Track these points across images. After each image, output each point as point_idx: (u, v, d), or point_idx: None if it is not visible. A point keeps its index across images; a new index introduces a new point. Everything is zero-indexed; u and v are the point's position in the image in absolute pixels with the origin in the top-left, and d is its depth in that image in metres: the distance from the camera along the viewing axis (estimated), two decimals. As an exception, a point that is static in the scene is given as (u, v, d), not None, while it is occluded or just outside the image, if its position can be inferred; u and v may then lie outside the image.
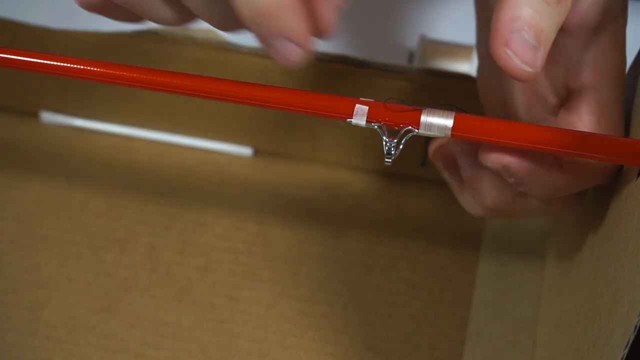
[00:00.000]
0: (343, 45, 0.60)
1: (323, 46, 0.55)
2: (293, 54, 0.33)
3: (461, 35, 0.64)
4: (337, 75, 0.54)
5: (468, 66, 0.60)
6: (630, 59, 0.43)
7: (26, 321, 0.52)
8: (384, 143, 0.38)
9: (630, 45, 0.42)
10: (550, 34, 0.34)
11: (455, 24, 0.64)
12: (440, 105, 0.37)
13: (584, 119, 0.39)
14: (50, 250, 0.55)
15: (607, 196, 0.40)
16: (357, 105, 0.37)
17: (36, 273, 0.54)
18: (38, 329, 0.52)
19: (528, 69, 0.34)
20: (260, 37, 0.33)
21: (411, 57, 0.62)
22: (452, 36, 0.63)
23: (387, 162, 0.38)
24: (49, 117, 0.60)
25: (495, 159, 0.38)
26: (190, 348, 0.51)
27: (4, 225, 0.56)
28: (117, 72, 0.39)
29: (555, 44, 0.36)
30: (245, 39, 0.56)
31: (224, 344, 0.52)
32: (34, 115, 0.61)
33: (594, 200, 0.43)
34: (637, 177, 0.36)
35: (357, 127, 0.38)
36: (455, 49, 0.62)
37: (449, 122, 0.37)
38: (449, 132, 0.37)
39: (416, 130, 0.37)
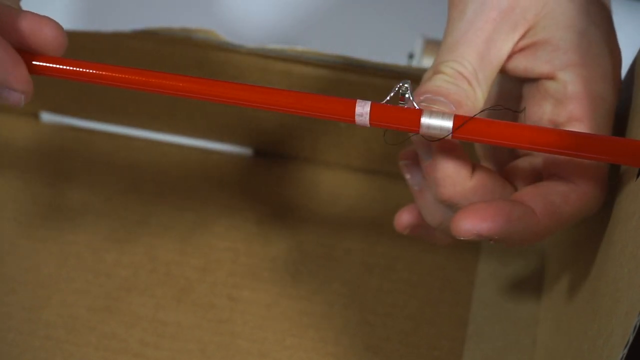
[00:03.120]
0: (343, 46, 0.60)
1: (323, 46, 0.55)
2: (17, 99, 0.37)
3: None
4: (337, 76, 0.54)
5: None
6: (629, 58, 0.43)
7: (26, 321, 0.52)
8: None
9: (631, 45, 0.42)
10: (457, 96, 0.39)
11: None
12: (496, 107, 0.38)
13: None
14: (50, 250, 0.55)
15: (607, 196, 0.40)
16: (358, 107, 0.37)
17: (36, 273, 0.54)
18: (38, 329, 0.52)
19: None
20: None
21: (411, 57, 0.62)
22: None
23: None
24: (49, 117, 0.60)
25: (469, 230, 0.38)
26: (190, 348, 0.51)
27: (4, 225, 0.56)
28: (117, 75, 0.39)
29: (537, 85, 0.41)
30: (245, 39, 0.56)
31: (223, 344, 0.52)
32: (34, 115, 0.61)
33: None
34: (637, 177, 0.36)
35: (356, 128, 0.38)
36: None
37: (448, 123, 0.37)
38: (449, 134, 0.37)
39: (419, 131, 0.37)
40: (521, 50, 0.41)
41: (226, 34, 0.54)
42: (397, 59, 0.55)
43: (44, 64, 0.38)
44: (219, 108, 0.58)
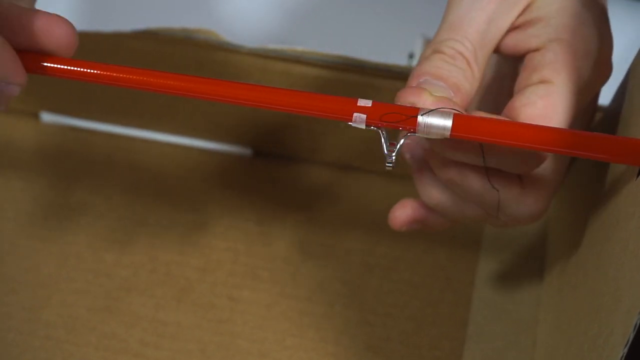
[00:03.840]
0: (343, 46, 0.60)
1: (323, 46, 0.55)
2: (14, 90, 0.38)
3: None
4: (337, 76, 0.54)
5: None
6: (629, 58, 0.43)
7: (26, 321, 0.52)
8: (384, 147, 0.38)
9: (631, 45, 0.42)
10: (455, 79, 0.40)
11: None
12: None
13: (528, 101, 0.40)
14: (50, 250, 0.55)
15: (607, 196, 0.40)
16: (356, 106, 0.37)
17: (36, 273, 0.54)
18: (38, 329, 0.52)
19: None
20: None
21: (411, 57, 0.62)
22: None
23: (387, 166, 0.38)
24: (49, 117, 0.60)
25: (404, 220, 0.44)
26: (190, 348, 0.51)
27: (4, 225, 0.56)
28: (117, 75, 0.39)
29: (525, 60, 0.41)
30: (245, 39, 0.56)
31: (223, 344, 0.52)
32: (34, 115, 0.61)
33: (593, 200, 0.43)
34: (637, 176, 0.36)
35: (356, 128, 0.38)
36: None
37: (447, 122, 0.37)
38: (448, 133, 0.37)
39: (417, 131, 0.37)
40: (515, 28, 0.41)
41: (226, 34, 0.54)
42: (397, 59, 0.55)
43: (49, 65, 0.38)
44: (219, 108, 0.58)
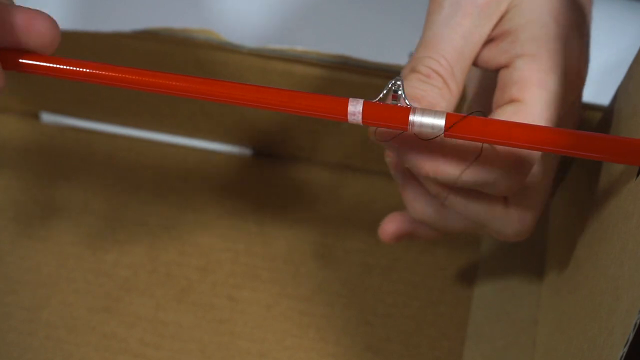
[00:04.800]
0: (343, 46, 0.60)
1: (323, 46, 0.55)
2: None
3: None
4: (337, 76, 0.54)
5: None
6: (629, 58, 0.43)
7: (26, 321, 0.52)
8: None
9: (631, 45, 0.42)
10: (431, 98, 0.40)
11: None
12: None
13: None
14: (50, 251, 0.55)
15: (606, 196, 0.40)
16: (350, 105, 0.37)
17: (36, 273, 0.54)
18: (38, 329, 0.52)
19: None
20: None
21: (411, 57, 0.62)
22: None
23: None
24: (49, 117, 0.60)
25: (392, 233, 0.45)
26: (190, 348, 0.51)
27: (4, 225, 0.56)
28: (117, 75, 0.39)
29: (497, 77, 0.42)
30: (245, 39, 0.56)
31: (223, 344, 0.52)
32: (34, 115, 0.61)
33: (593, 200, 0.43)
34: (637, 176, 0.36)
35: (356, 128, 0.38)
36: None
37: (440, 121, 0.37)
38: (442, 132, 0.37)
39: (409, 129, 0.37)
40: (490, 41, 0.42)
41: (226, 34, 0.54)
42: (397, 59, 0.55)
43: (32, 62, 0.38)
44: (219, 108, 0.58)
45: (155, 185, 0.58)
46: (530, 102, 0.40)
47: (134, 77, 0.38)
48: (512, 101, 0.40)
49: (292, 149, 0.59)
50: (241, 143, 0.60)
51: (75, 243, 0.55)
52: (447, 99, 0.40)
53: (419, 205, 0.44)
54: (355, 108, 0.37)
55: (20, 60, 0.38)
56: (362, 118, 0.37)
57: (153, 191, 0.58)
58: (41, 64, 0.38)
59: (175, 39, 0.54)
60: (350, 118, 0.37)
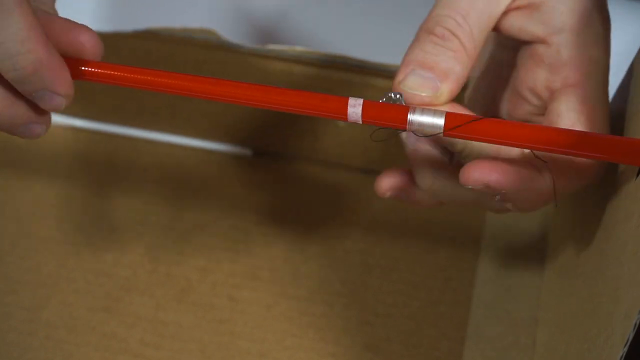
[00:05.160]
0: (343, 46, 0.60)
1: (323, 46, 0.55)
2: (59, 102, 0.38)
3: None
4: (337, 76, 0.54)
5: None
6: (629, 58, 0.43)
7: (26, 321, 0.52)
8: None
9: (631, 45, 0.42)
10: (444, 64, 0.39)
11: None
12: None
13: (563, 116, 0.40)
14: (50, 250, 0.55)
15: (606, 196, 0.40)
16: (350, 104, 0.37)
17: (36, 273, 0.54)
18: (38, 329, 0.52)
19: (426, 93, 0.39)
20: (26, 93, 0.38)
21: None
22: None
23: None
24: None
25: (477, 179, 0.39)
26: (190, 348, 0.51)
27: (4, 225, 0.56)
28: (118, 73, 0.39)
29: (530, 50, 0.41)
30: (245, 39, 0.56)
31: (223, 344, 0.52)
32: (34, 115, 0.61)
33: (593, 200, 0.43)
34: (637, 176, 0.36)
35: (356, 128, 0.38)
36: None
37: (440, 120, 0.37)
38: (441, 131, 0.37)
39: (408, 128, 0.37)
40: (517, 8, 0.41)
41: (226, 34, 0.54)
42: (397, 59, 0.55)
43: (91, 69, 0.39)
44: (219, 108, 0.58)
45: (155, 185, 0.58)
46: (586, 84, 0.39)
47: (134, 76, 0.39)
48: (567, 86, 0.40)
49: (292, 148, 0.59)
50: (241, 143, 0.60)
51: (75, 243, 0.55)
52: (462, 62, 0.39)
53: (429, 175, 0.42)
54: (355, 107, 0.37)
55: (83, 69, 0.39)
56: (362, 117, 0.37)
57: (153, 191, 0.58)
58: (87, 69, 0.38)
59: (175, 39, 0.54)
60: (350, 117, 0.37)
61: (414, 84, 0.39)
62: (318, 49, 0.54)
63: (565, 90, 0.40)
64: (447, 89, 0.39)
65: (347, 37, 0.66)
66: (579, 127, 0.39)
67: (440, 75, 0.39)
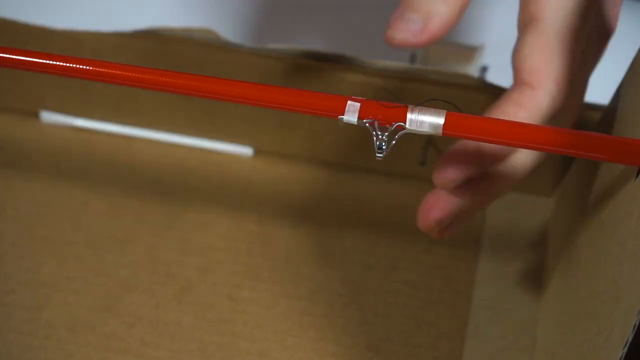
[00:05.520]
0: (344, 46, 0.60)
1: (323, 46, 0.55)
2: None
3: (464, 37, 0.64)
4: (338, 75, 0.54)
5: (470, 67, 0.60)
6: (629, 58, 0.43)
7: (26, 321, 0.52)
8: (374, 138, 0.38)
9: (631, 45, 0.42)
10: (430, 6, 0.41)
11: (457, 25, 0.64)
12: (435, 101, 0.38)
13: (521, 49, 0.41)
14: (50, 250, 0.55)
15: (606, 196, 0.40)
16: (349, 103, 0.37)
17: (36, 273, 0.54)
18: (38, 329, 0.52)
19: (406, 37, 0.42)
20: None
21: (413, 57, 0.62)
22: (455, 37, 0.63)
23: (378, 157, 0.38)
24: (49, 117, 0.60)
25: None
26: (190, 348, 0.51)
27: (4, 225, 0.56)
28: (117, 72, 0.39)
29: None
30: (245, 39, 0.56)
31: (223, 344, 0.52)
32: (34, 115, 0.61)
33: (593, 200, 0.43)
34: (637, 176, 0.36)
35: (356, 127, 0.38)
36: (458, 50, 0.62)
37: (440, 119, 0.37)
38: (440, 130, 0.37)
39: (407, 127, 0.37)
40: None
41: (226, 34, 0.54)
42: (398, 59, 0.55)
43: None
44: (220, 108, 0.58)
45: (155, 185, 0.58)
46: (549, 17, 0.41)
47: (134, 75, 0.39)
48: (533, 19, 0.41)
49: (292, 148, 0.59)
50: (241, 143, 0.60)
51: (75, 243, 0.55)
52: (448, 3, 0.41)
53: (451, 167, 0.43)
54: (354, 106, 0.37)
55: (14, 57, 0.38)
56: (360, 116, 0.37)
57: (153, 191, 0.58)
58: (40, 60, 0.38)
59: (175, 39, 0.54)
60: (349, 117, 0.37)
61: (399, 25, 0.42)
62: (318, 49, 0.54)
63: (531, 24, 0.41)
64: (431, 29, 0.41)
65: (347, 37, 0.66)
66: (531, 61, 0.41)
67: (425, 15, 0.41)
